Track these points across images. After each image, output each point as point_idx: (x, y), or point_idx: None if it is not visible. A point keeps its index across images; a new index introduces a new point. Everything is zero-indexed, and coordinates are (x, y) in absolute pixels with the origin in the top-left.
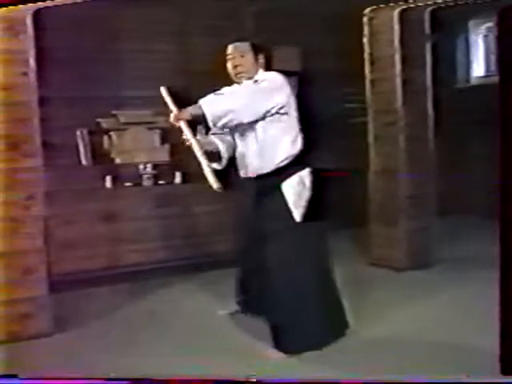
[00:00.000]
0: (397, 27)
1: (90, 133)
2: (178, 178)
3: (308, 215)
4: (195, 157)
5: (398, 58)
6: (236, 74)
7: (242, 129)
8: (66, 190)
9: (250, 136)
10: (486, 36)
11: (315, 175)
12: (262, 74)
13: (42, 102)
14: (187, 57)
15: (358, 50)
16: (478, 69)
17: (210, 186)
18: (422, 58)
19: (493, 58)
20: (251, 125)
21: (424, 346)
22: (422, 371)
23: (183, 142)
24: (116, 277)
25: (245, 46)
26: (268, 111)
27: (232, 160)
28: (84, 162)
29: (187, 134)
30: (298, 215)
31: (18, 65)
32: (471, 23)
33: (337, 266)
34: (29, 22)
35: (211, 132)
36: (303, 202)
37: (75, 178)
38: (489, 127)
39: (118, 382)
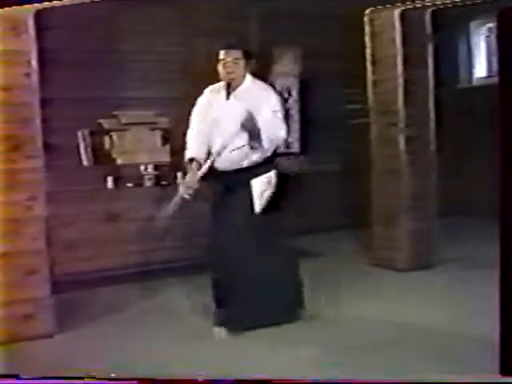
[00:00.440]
0: (398, 28)
1: (92, 133)
2: (179, 179)
3: (267, 208)
4: None
5: (399, 58)
6: (228, 78)
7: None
8: (68, 191)
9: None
10: (487, 37)
11: (280, 177)
12: (251, 81)
13: (44, 102)
14: (189, 58)
15: (360, 51)
16: (480, 69)
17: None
18: (424, 59)
19: (495, 58)
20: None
21: (425, 346)
22: (423, 370)
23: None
24: (118, 277)
25: (238, 54)
26: None
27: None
28: (85, 162)
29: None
30: (258, 207)
31: (20, 66)
32: (473, 24)
33: (339, 267)
34: (31, 22)
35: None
36: (265, 197)
37: (77, 178)
38: (490, 128)
39: (119, 382)
